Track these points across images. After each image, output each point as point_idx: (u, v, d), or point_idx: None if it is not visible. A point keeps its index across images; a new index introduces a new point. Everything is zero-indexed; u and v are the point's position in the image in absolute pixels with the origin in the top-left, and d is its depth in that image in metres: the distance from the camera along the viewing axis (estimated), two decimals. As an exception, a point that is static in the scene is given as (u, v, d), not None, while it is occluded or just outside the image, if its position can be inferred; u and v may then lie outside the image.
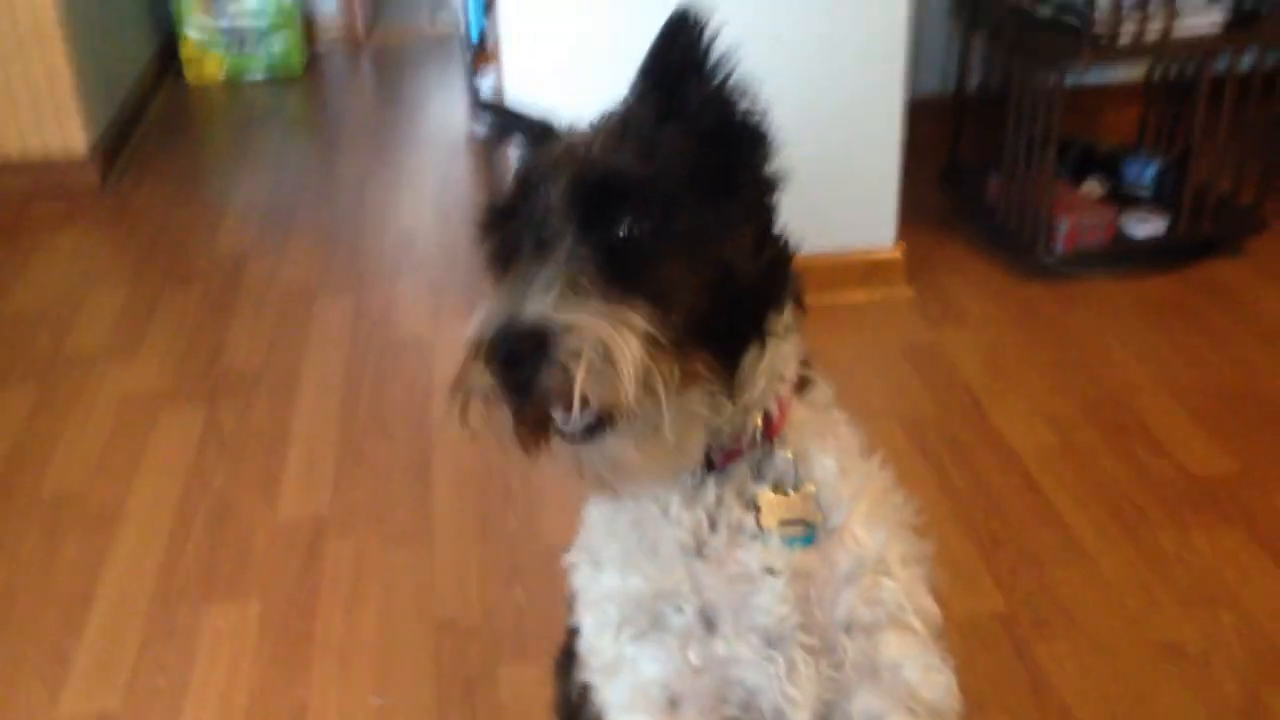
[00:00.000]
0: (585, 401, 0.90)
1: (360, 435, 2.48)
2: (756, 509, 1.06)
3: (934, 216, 3.22)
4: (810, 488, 1.07)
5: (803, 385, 1.10)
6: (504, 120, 1.17)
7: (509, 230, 1.02)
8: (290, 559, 2.14)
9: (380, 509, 2.26)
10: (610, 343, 0.91)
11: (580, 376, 0.89)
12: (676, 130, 1.03)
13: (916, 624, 1.08)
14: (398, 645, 1.94)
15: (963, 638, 1.91)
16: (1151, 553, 2.07)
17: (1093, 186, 3.09)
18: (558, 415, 0.93)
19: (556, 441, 0.95)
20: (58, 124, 3.57)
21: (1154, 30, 2.70)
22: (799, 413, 1.09)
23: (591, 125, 1.07)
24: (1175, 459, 2.30)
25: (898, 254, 2.86)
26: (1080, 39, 2.70)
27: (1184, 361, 2.61)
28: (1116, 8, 2.66)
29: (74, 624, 2.01)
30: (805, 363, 1.11)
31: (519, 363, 0.90)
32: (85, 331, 2.91)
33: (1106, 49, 2.71)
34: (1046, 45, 2.76)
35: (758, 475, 1.07)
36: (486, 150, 0.96)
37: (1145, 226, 2.93)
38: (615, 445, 0.95)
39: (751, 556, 1.05)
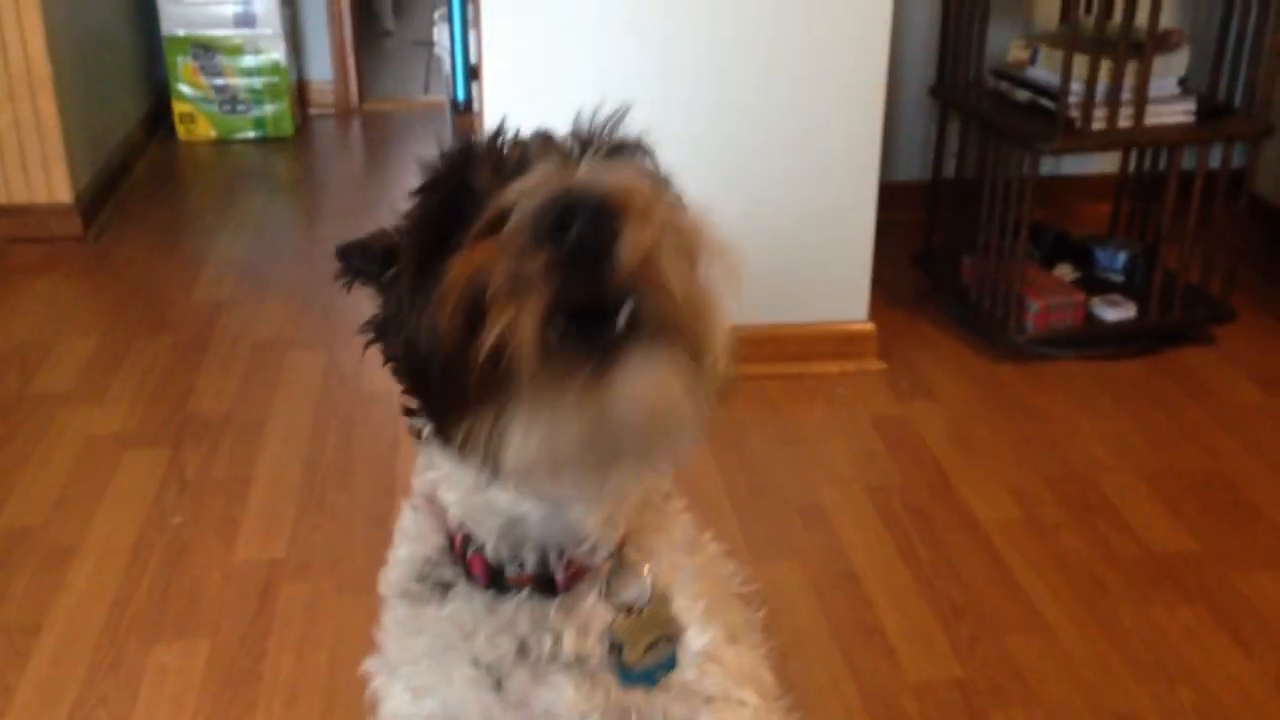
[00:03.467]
0: (664, 295, 0.73)
1: (323, 484, 2.46)
2: (617, 647, 0.93)
3: (908, 297, 3.25)
4: (666, 604, 0.96)
5: None
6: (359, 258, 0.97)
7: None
8: (243, 601, 2.11)
9: (338, 556, 2.24)
10: (707, 231, 0.76)
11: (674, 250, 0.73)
12: None
13: (748, 696, 1.00)
14: (345, 689, 1.91)
15: (919, 704, 1.89)
16: (1111, 626, 2.06)
17: (1065, 271, 3.13)
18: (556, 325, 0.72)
19: (567, 357, 0.72)
20: (44, 171, 3.59)
21: (1126, 117, 2.76)
22: (645, 510, 0.97)
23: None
24: (1138, 536, 2.30)
25: (870, 328, 2.88)
26: (1054, 123, 2.76)
27: (1150, 444, 2.62)
28: (1089, 94, 2.72)
29: (19, 655, 1.97)
30: None
31: (602, 228, 0.70)
32: (54, 374, 2.89)
33: (1079, 134, 2.76)
34: (1021, 129, 2.81)
35: (607, 596, 0.94)
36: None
37: (1115, 311, 2.96)
38: (669, 364, 0.74)
39: (558, 697, 0.93)
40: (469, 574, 0.96)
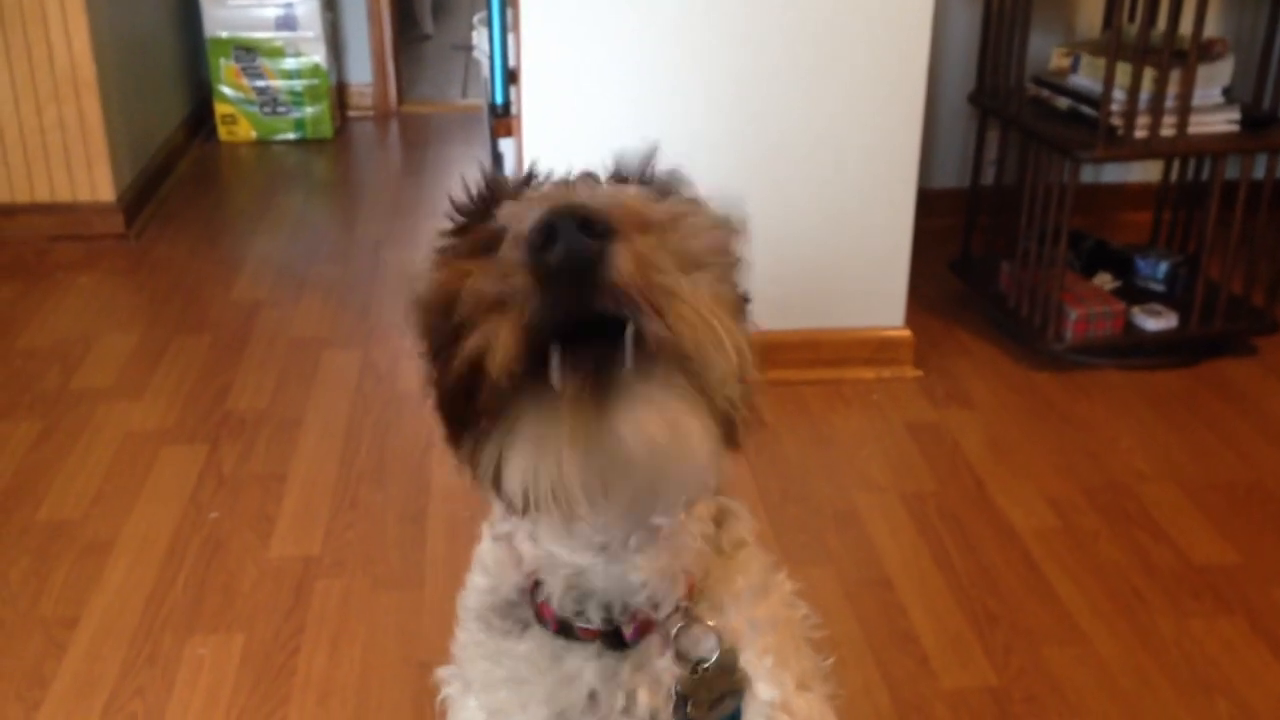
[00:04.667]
0: (659, 316, 0.69)
1: (357, 481, 2.47)
2: (683, 699, 0.90)
3: (946, 304, 3.24)
4: (734, 657, 0.93)
5: (720, 519, 0.96)
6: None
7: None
8: (278, 596, 2.12)
9: (372, 553, 2.25)
10: (720, 242, 0.75)
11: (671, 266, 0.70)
12: None
13: None
14: (378, 685, 1.91)
15: (953, 712, 1.88)
16: (1149, 637, 2.04)
17: (1104, 279, 3.10)
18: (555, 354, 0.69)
19: (572, 381, 0.69)
20: (87, 170, 3.63)
21: (1169, 126, 2.74)
22: (712, 562, 0.94)
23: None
24: (1177, 547, 2.27)
25: (906, 334, 2.86)
26: (1095, 131, 2.74)
27: (1190, 454, 2.59)
28: (1132, 102, 2.70)
29: (57, 647, 1.99)
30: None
31: (585, 244, 0.67)
32: (94, 370, 2.92)
33: (1121, 142, 2.74)
34: (1061, 136, 2.79)
35: (674, 652, 0.91)
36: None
37: (1156, 320, 2.93)
38: (668, 393, 0.71)
39: None
40: (540, 618, 0.95)
